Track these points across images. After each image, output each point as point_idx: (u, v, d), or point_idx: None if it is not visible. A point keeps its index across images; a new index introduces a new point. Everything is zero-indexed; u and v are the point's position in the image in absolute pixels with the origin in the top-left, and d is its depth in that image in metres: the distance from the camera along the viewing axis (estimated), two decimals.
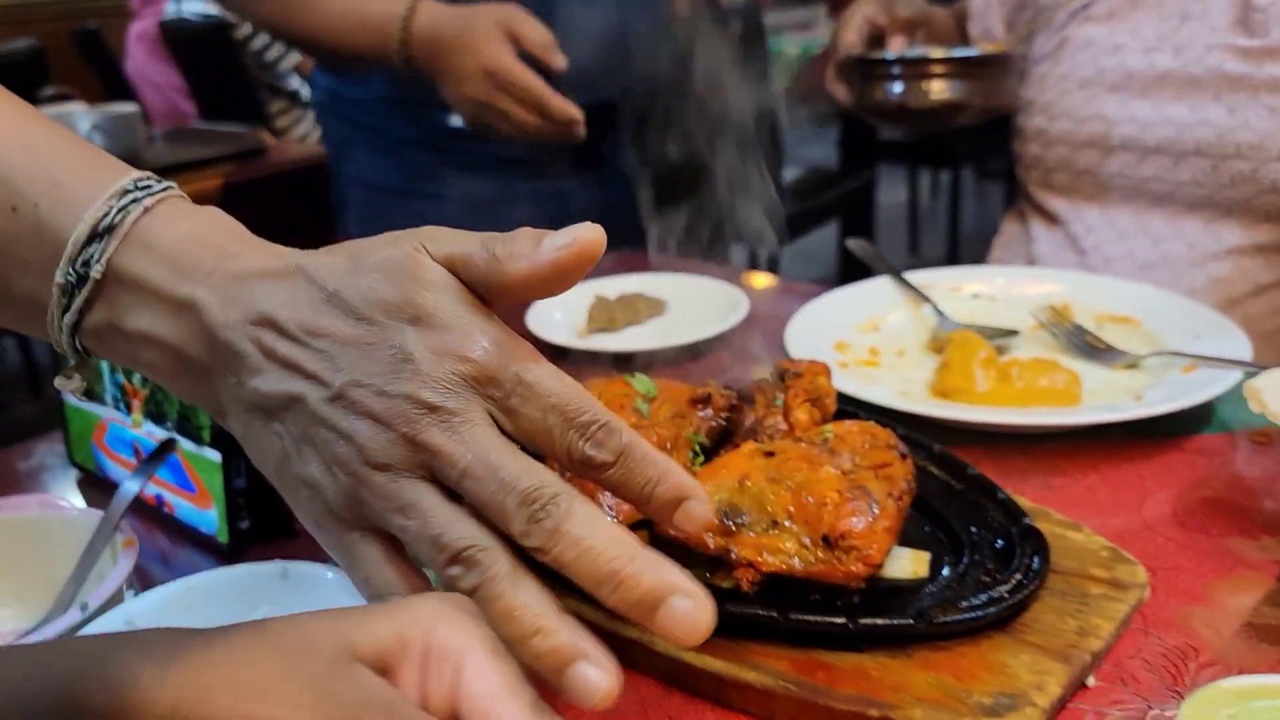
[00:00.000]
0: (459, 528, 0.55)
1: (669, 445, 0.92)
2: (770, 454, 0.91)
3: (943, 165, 6.28)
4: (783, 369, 1.06)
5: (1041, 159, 1.67)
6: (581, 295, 1.59)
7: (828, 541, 0.83)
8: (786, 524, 0.85)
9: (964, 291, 1.50)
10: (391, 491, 0.56)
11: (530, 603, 0.54)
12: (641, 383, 1.07)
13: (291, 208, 2.95)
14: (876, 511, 0.84)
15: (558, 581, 0.58)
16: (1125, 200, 1.60)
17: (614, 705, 0.82)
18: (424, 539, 0.56)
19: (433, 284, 0.58)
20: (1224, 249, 1.53)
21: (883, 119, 1.90)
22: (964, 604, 0.81)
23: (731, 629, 0.83)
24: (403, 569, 0.59)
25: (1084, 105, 1.59)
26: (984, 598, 0.81)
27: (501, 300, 0.61)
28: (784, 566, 0.84)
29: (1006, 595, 0.81)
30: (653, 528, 0.88)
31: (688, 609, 0.55)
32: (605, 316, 1.50)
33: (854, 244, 1.61)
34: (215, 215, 0.65)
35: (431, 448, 0.55)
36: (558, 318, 1.56)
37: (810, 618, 0.80)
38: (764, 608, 0.81)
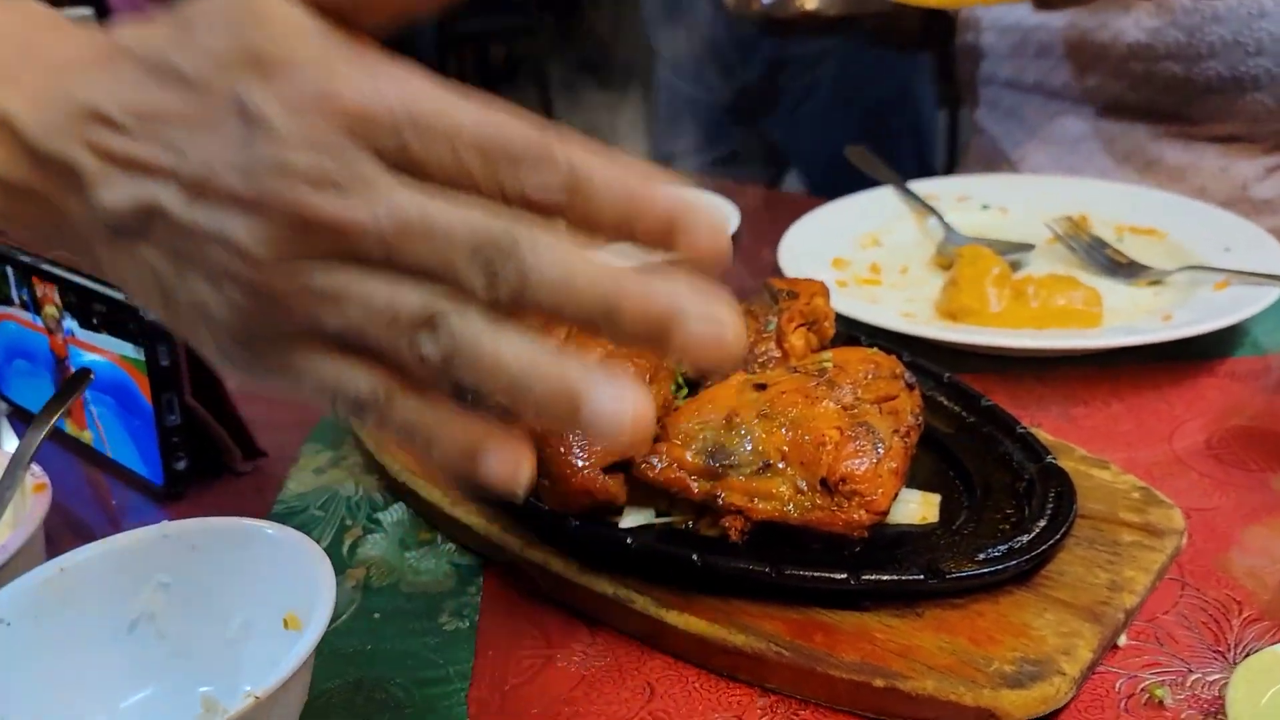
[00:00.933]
0: (408, 294, 0.43)
1: (648, 377, 0.81)
2: (762, 386, 0.80)
3: (942, 75, 6.09)
4: (775, 289, 0.95)
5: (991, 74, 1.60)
6: None
7: (826, 485, 0.73)
8: (780, 466, 0.75)
9: (972, 202, 1.39)
10: (304, 288, 0.43)
11: (520, 347, 0.42)
12: None
13: None
14: (881, 451, 0.74)
15: None
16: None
17: (588, 666, 0.74)
18: (370, 323, 0.43)
19: (274, 18, 0.45)
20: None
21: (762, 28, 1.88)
22: (981, 555, 0.71)
23: (718, 585, 0.74)
24: (362, 359, 0.46)
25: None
26: (1003, 548, 0.71)
27: (370, 19, 0.48)
28: (777, 514, 0.74)
29: (1028, 545, 0.72)
30: (631, 470, 0.79)
31: (710, 315, 0.43)
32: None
33: (853, 151, 1.48)
34: (17, 5, 0.51)
35: (330, 223, 0.42)
36: None
37: (807, 573, 0.71)
38: (755, 561, 0.71)
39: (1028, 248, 1.25)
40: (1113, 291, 1.15)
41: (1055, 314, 1.09)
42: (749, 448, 0.77)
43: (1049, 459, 0.81)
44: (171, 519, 0.91)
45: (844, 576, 0.70)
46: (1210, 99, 1.39)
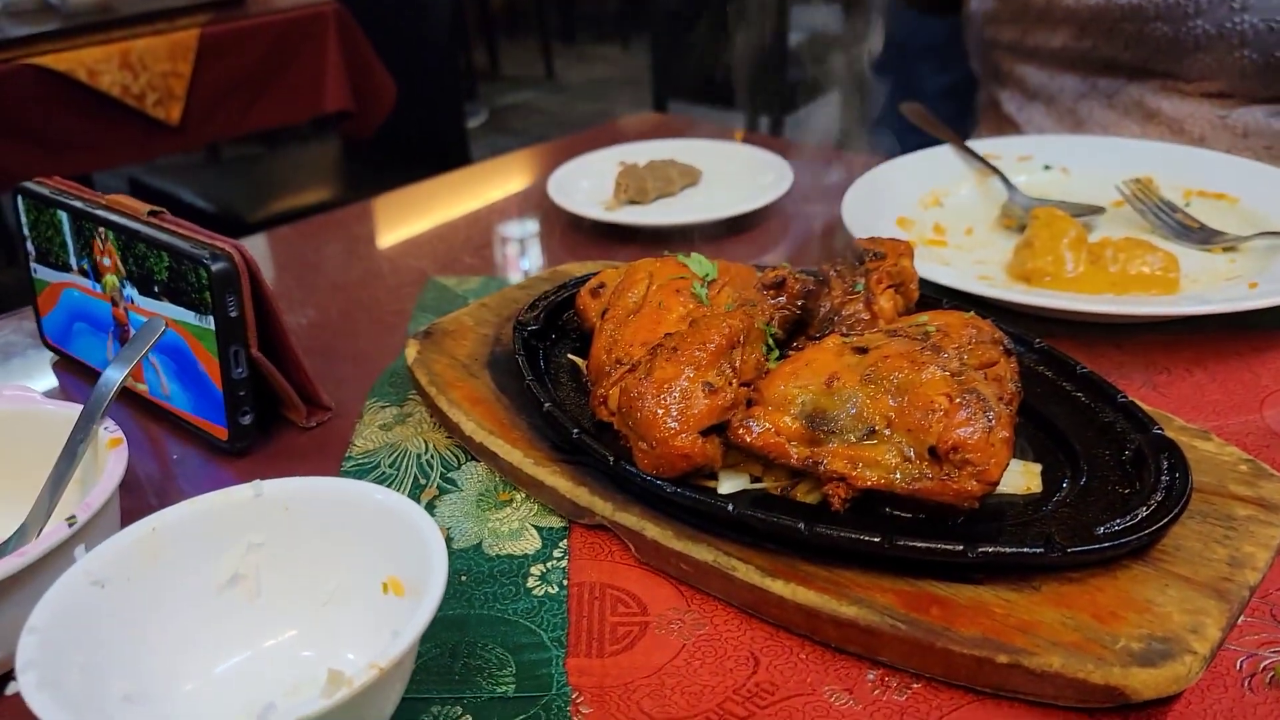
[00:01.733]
0: None
1: (741, 339, 0.79)
2: (862, 350, 0.77)
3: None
4: (862, 249, 0.92)
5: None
6: (607, 162, 1.44)
7: (935, 454, 0.71)
8: (886, 432, 0.73)
9: (1034, 162, 1.36)
10: None
11: None
12: (699, 263, 0.93)
13: (278, 66, 2.73)
14: (992, 419, 0.72)
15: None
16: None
17: (687, 635, 0.72)
18: None
19: None
20: None
21: None
22: (1101, 529, 0.69)
23: (825, 553, 0.71)
24: None
25: None
26: (1123, 522, 0.69)
27: None
28: (883, 482, 0.72)
29: (1148, 519, 0.70)
30: (726, 433, 0.76)
31: None
32: (636, 186, 1.35)
33: (909, 108, 1.45)
34: None
35: None
36: (584, 186, 1.40)
37: (921, 543, 0.68)
38: (866, 531, 0.69)
39: (1098, 210, 1.22)
40: (1186, 257, 1.13)
41: (1133, 279, 1.06)
42: (852, 413, 0.74)
43: (1156, 430, 0.78)
44: (236, 476, 0.89)
45: (960, 548, 0.68)
46: (1200, 57, 1.38)
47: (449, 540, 0.81)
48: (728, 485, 0.77)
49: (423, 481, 0.88)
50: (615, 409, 0.80)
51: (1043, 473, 0.78)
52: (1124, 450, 0.78)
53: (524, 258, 1.31)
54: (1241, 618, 0.69)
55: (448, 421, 0.91)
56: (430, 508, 0.85)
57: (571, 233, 1.37)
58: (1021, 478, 0.78)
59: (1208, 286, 1.07)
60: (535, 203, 1.48)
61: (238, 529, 0.67)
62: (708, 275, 0.92)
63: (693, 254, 0.94)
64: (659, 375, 0.76)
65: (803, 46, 5.04)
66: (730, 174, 1.42)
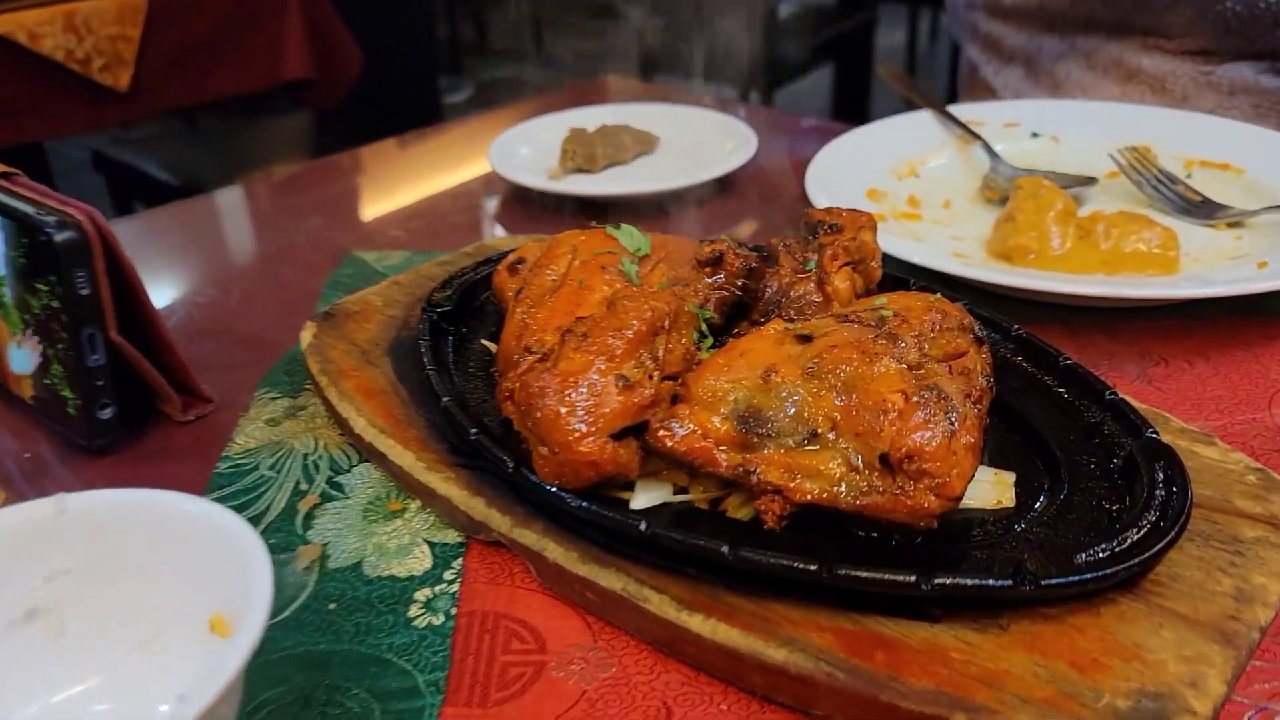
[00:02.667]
0: None
1: (666, 324, 0.67)
2: (806, 338, 0.66)
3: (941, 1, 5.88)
4: (815, 221, 0.81)
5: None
6: (554, 126, 1.31)
7: (887, 463, 0.59)
8: (830, 436, 0.61)
9: (1021, 129, 1.24)
10: None
11: None
12: (629, 236, 0.81)
13: (234, 31, 2.59)
14: (955, 422, 0.60)
15: None
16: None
17: (589, 678, 0.60)
18: None
19: None
20: None
21: None
22: (1082, 557, 0.57)
23: (753, 582, 0.60)
24: None
25: None
26: (1107, 547, 0.58)
27: None
28: (825, 496, 0.61)
29: (1138, 544, 0.58)
30: (644, 437, 0.64)
31: None
32: (584, 153, 1.22)
33: (885, 70, 1.32)
34: None
35: None
36: (524, 153, 1.28)
37: (866, 573, 0.57)
38: (800, 557, 0.57)
39: (1089, 181, 1.10)
40: (1187, 233, 1.01)
41: (1127, 258, 0.94)
42: (791, 413, 0.63)
43: (1150, 433, 0.67)
44: (95, 479, 0.78)
45: (913, 578, 0.56)
46: (1181, 11, 1.27)
47: (324, 558, 0.69)
48: (644, 498, 0.65)
49: (304, 488, 0.76)
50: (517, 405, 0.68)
51: (1016, 484, 0.67)
52: (1112, 458, 0.67)
53: (458, 232, 1.19)
54: (1250, 662, 0.58)
55: (338, 416, 0.79)
56: (309, 519, 0.73)
57: (516, 205, 1.25)
58: (991, 489, 0.66)
59: (1211, 266, 0.96)
60: (477, 172, 1.36)
61: (36, 553, 0.55)
62: (639, 250, 0.80)
63: (623, 225, 0.82)
64: (565, 367, 0.65)
65: (794, 18, 4.90)
66: (690, 141, 1.30)
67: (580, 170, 1.23)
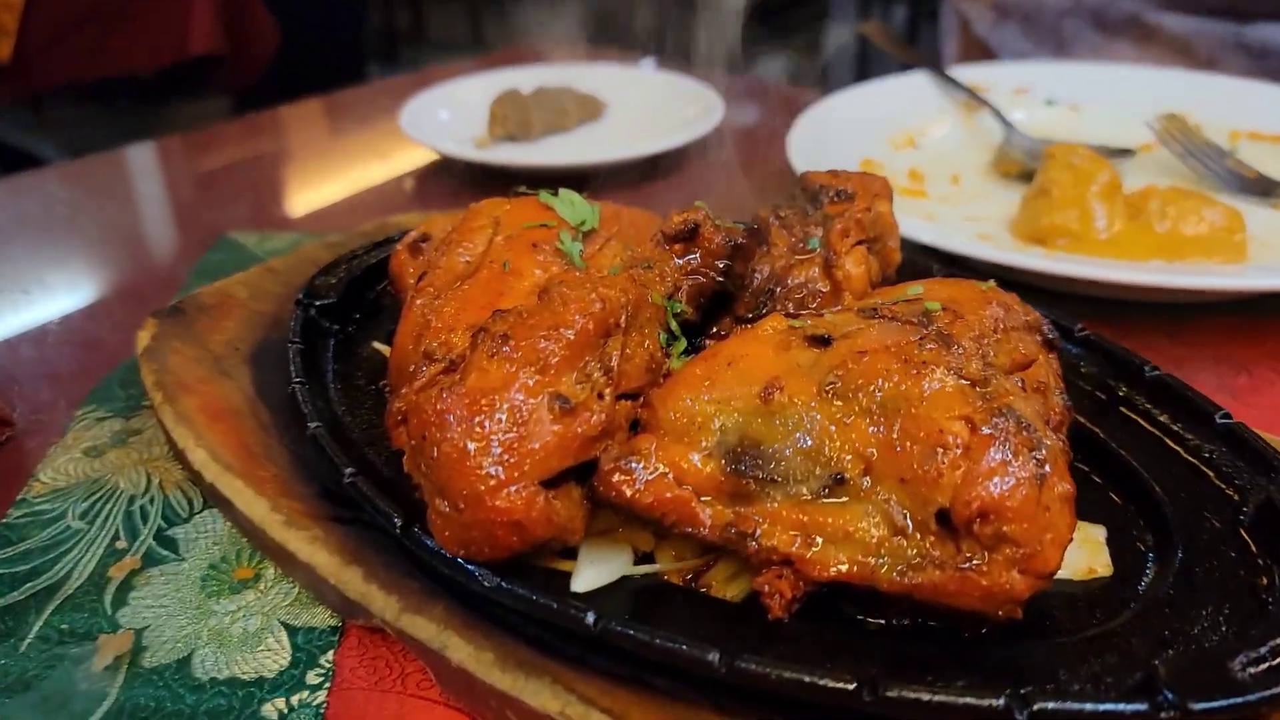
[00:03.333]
0: None
1: (622, 320, 0.47)
2: (822, 340, 0.47)
3: None
4: (818, 186, 0.61)
5: None
6: (482, 89, 1.10)
7: (949, 523, 0.40)
8: (864, 483, 0.43)
9: (1033, 95, 1.06)
10: None
11: None
12: (570, 205, 0.62)
13: None
14: (1045, 465, 0.41)
15: None
16: None
17: None
18: None
19: None
20: None
21: None
22: (1239, 664, 0.39)
23: (754, 702, 0.40)
24: None
25: None
26: (1271, 648, 0.39)
27: None
28: (858, 571, 0.42)
29: None
30: (593, 483, 0.44)
31: None
32: (516, 118, 1.02)
33: (871, 26, 1.14)
34: None
35: None
36: (443, 118, 1.07)
37: (928, 695, 0.37)
38: (824, 665, 0.38)
39: (1126, 153, 0.93)
40: (1248, 214, 0.83)
41: (1188, 242, 0.76)
42: (805, 448, 0.44)
43: None
44: None
45: (1000, 703, 0.37)
46: None
47: (137, 651, 0.49)
48: (592, 573, 0.46)
49: (122, 546, 0.55)
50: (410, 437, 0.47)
51: (1109, 540, 0.48)
52: (1241, 506, 0.48)
53: (362, 211, 0.98)
54: None
55: (174, 445, 0.58)
56: (123, 591, 0.53)
57: (435, 179, 1.04)
58: (1079, 553, 0.47)
59: None
60: (389, 141, 1.14)
61: None
62: (583, 223, 0.60)
63: (562, 190, 0.62)
64: (476, 382, 0.44)
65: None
66: (643, 106, 1.10)
67: (512, 138, 1.03)
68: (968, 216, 0.86)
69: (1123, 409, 0.56)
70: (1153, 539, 0.49)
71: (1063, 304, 0.75)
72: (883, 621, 0.45)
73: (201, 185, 1.06)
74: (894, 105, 1.03)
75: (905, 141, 0.99)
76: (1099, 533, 0.50)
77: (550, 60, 1.28)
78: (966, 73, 1.07)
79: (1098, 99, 1.05)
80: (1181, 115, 0.98)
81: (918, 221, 0.79)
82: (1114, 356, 0.58)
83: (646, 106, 1.11)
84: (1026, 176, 0.90)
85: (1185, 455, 0.52)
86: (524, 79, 1.12)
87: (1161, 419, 0.55)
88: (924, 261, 0.69)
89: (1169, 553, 0.48)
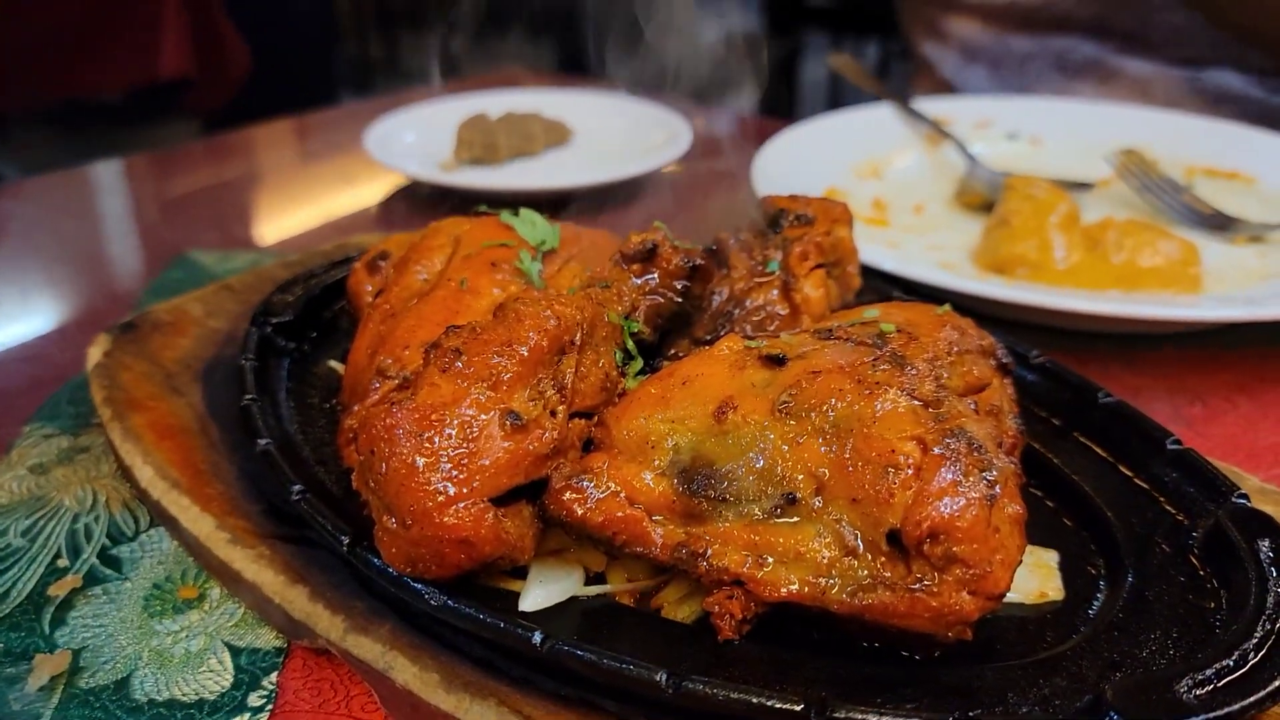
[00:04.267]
0: None
1: (578, 338, 0.47)
2: (776, 360, 0.46)
3: (868, 32, 5.84)
4: (778, 210, 0.61)
5: None
6: (451, 111, 1.10)
7: (899, 543, 0.40)
8: (815, 503, 0.42)
9: (995, 129, 1.07)
10: None
11: None
12: (530, 225, 0.62)
13: (102, 21, 2.34)
14: (995, 485, 0.41)
15: None
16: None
17: None
18: None
19: None
20: None
21: None
22: (1185, 686, 0.38)
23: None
24: None
25: None
26: (1216, 670, 0.39)
27: None
28: (809, 592, 0.42)
29: (1260, 663, 0.39)
30: (544, 501, 0.44)
31: None
32: (483, 142, 1.02)
33: (838, 59, 1.15)
34: None
35: None
36: (409, 141, 1.07)
37: (876, 716, 0.37)
38: (773, 686, 0.38)
39: (1085, 186, 0.94)
40: (1205, 248, 0.84)
41: (1145, 273, 0.77)
42: (758, 468, 0.44)
43: (1238, 497, 0.48)
44: None
45: None
46: (1169, 15, 1.12)
47: (75, 672, 0.47)
48: (541, 593, 0.45)
49: (64, 564, 0.54)
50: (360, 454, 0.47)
51: (1061, 565, 0.48)
52: (1190, 530, 0.48)
53: (326, 233, 0.97)
54: None
55: (121, 462, 0.57)
56: (63, 610, 0.51)
57: (401, 202, 1.04)
58: (1030, 576, 0.47)
59: (1237, 285, 0.79)
60: (355, 164, 1.14)
61: None
62: (543, 243, 0.60)
63: (523, 210, 0.61)
64: (427, 397, 0.44)
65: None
66: (611, 133, 1.11)
67: (479, 162, 1.03)
68: (930, 245, 0.87)
69: (1076, 434, 0.56)
70: (1104, 563, 0.49)
71: (1023, 333, 0.75)
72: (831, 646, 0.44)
73: (165, 205, 1.05)
74: (860, 136, 1.04)
75: (870, 171, 0.99)
76: (1051, 558, 0.49)
77: (519, 86, 1.29)
78: (931, 106, 1.08)
79: (1058, 134, 1.06)
80: (1139, 150, 0.99)
81: (881, 249, 0.79)
82: (1069, 383, 0.58)
83: (614, 133, 1.12)
84: (988, 207, 0.91)
85: (1137, 480, 0.53)
86: (492, 104, 1.12)
87: (1114, 445, 0.55)
88: (886, 289, 0.69)
89: (1120, 576, 0.48)
